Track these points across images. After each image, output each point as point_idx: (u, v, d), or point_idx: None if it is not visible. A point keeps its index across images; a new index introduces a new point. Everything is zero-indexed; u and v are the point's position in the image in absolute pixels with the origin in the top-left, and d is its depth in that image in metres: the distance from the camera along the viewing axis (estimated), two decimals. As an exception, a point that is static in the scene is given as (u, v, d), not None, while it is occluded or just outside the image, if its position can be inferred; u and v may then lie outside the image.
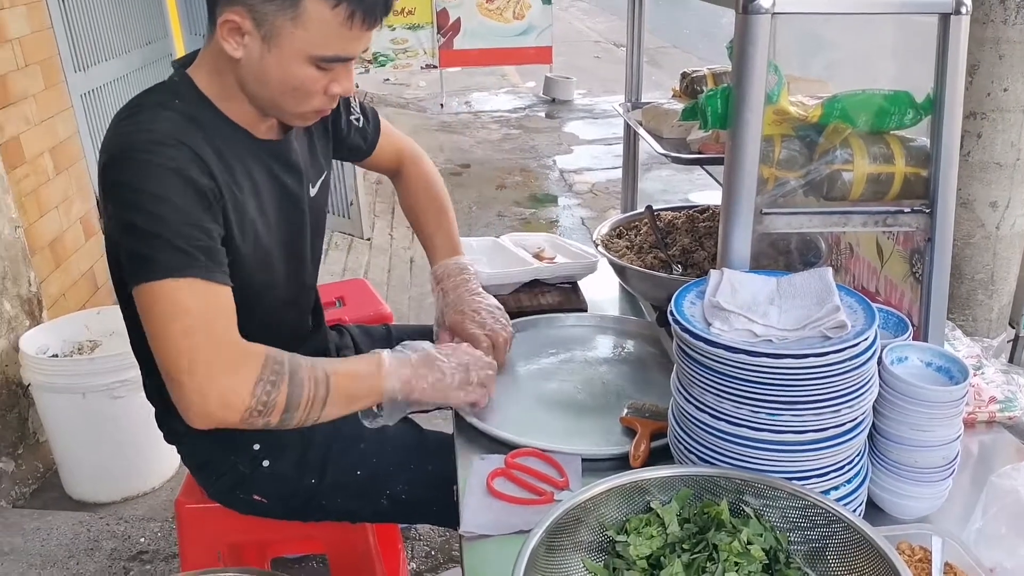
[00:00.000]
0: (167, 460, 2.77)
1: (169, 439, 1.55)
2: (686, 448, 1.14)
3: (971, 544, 1.04)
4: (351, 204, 4.69)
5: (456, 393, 1.36)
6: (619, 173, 2.24)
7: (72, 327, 2.72)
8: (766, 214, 1.22)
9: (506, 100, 9.20)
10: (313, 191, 1.53)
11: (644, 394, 1.47)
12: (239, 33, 1.22)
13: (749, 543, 0.97)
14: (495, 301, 1.60)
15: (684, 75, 1.78)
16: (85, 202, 3.47)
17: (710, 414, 1.09)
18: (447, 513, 1.38)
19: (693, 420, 1.12)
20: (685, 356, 1.11)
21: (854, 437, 1.08)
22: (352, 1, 1.19)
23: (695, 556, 0.96)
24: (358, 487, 1.48)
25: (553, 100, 8.92)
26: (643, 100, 2.02)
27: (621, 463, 1.27)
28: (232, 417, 1.21)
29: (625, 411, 1.39)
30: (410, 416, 1.51)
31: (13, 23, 2.99)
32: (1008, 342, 2.10)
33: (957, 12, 1.13)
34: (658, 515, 1.02)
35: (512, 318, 1.70)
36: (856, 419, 1.07)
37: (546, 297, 1.86)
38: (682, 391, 1.15)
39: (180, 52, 4.59)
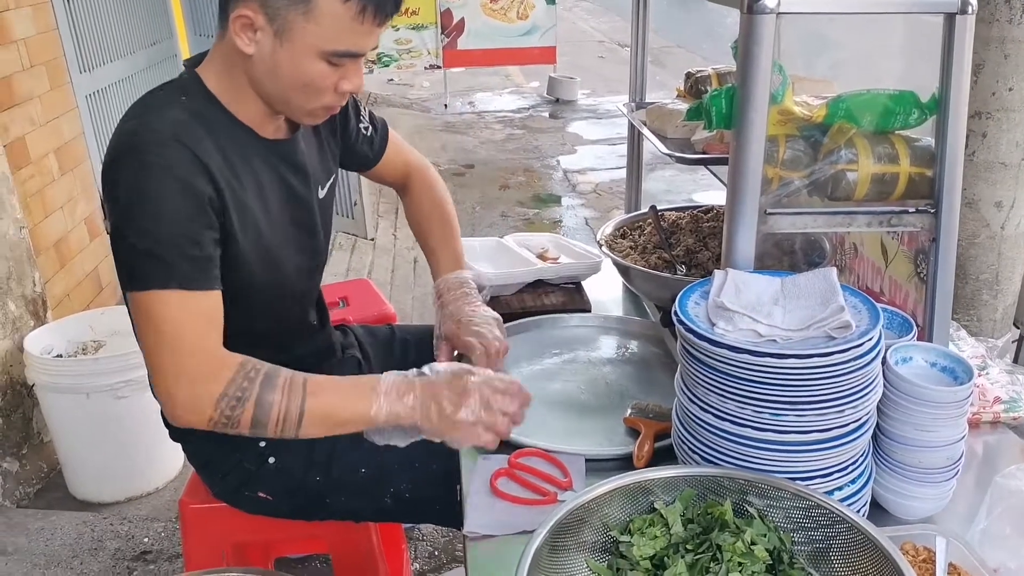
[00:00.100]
0: (171, 460, 2.77)
1: (174, 437, 1.56)
2: (690, 448, 1.14)
3: (975, 544, 1.04)
4: (355, 204, 4.70)
5: (458, 435, 1.25)
6: (623, 173, 2.24)
7: (76, 327, 2.73)
8: (770, 214, 1.22)
9: (510, 100, 9.20)
10: (322, 193, 1.53)
11: (648, 394, 1.47)
12: (251, 29, 1.23)
13: (753, 543, 0.97)
14: (494, 313, 1.57)
15: (688, 75, 1.78)
16: (90, 203, 3.48)
17: (714, 414, 1.09)
18: (451, 513, 1.38)
19: (697, 420, 1.12)
20: (689, 356, 1.11)
21: (858, 437, 1.07)
22: None
23: (699, 556, 0.96)
24: (362, 485, 1.48)
25: (557, 100, 8.92)
26: (647, 100, 2.02)
27: (625, 463, 1.27)
28: (199, 424, 1.24)
29: (629, 411, 1.39)
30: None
31: (18, 24, 3.00)
32: (1013, 342, 2.09)
33: (963, 12, 1.13)
34: (662, 515, 1.02)
35: (516, 318, 1.71)
36: (860, 419, 1.07)
37: (550, 297, 1.86)
38: (686, 391, 1.14)
39: (185, 53, 4.60)
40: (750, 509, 1.02)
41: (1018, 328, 2.09)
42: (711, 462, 1.11)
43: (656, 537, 1.00)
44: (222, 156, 1.29)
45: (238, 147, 1.33)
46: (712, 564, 0.96)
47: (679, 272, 1.66)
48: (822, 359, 1.01)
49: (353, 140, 1.64)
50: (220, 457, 1.51)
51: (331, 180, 1.58)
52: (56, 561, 2.34)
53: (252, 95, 1.33)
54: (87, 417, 2.52)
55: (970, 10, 1.13)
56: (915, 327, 1.25)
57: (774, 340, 1.06)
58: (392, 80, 9.47)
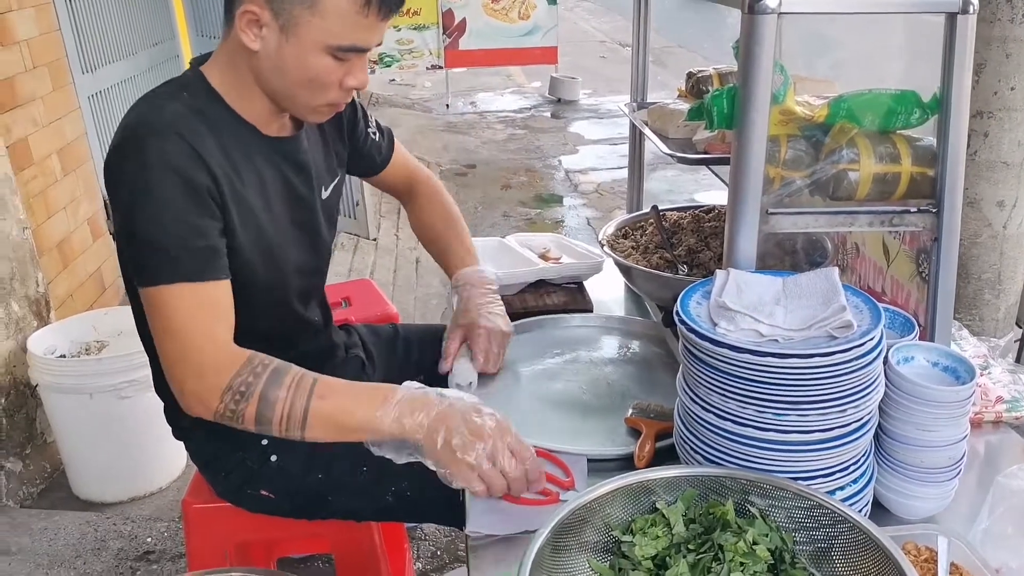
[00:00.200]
0: (174, 460, 2.78)
1: (177, 435, 1.57)
2: (692, 448, 1.14)
3: (977, 544, 1.04)
4: (357, 205, 4.70)
5: (454, 470, 1.18)
6: (625, 173, 2.25)
7: (79, 328, 2.73)
8: (772, 214, 1.22)
9: (511, 100, 9.20)
10: (326, 193, 1.54)
11: (649, 394, 1.47)
12: (257, 25, 1.24)
13: (755, 543, 0.97)
14: (509, 326, 1.60)
15: (690, 75, 1.78)
16: (92, 203, 3.48)
17: (716, 414, 1.09)
18: (453, 512, 1.38)
19: (699, 420, 1.12)
20: (691, 356, 1.11)
21: (860, 437, 1.07)
22: None
23: (701, 556, 0.96)
24: (364, 484, 1.48)
25: (558, 100, 8.92)
26: (649, 100, 2.02)
27: (626, 464, 1.27)
28: (207, 416, 1.25)
29: (630, 411, 1.39)
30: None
31: (21, 25, 3.01)
32: (1015, 342, 2.10)
33: (964, 11, 1.13)
34: (664, 515, 1.02)
35: (518, 318, 1.71)
36: (862, 419, 1.07)
37: (552, 297, 1.86)
38: (688, 391, 1.15)
39: (187, 53, 4.60)
40: (752, 509, 1.02)
41: (1020, 327, 2.09)
42: (713, 462, 1.11)
43: (658, 537, 1.00)
44: (223, 152, 1.30)
45: (240, 144, 1.34)
46: (714, 564, 0.96)
47: (681, 272, 1.66)
48: (824, 359, 1.01)
49: (362, 143, 1.66)
50: (223, 455, 1.51)
51: (335, 181, 1.58)
52: (59, 561, 2.35)
53: (257, 92, 1.33)
54: (90, 417, 2.53)
55: (971, 10, 1.13)
56: (917, 327, 1.25)
57: (776, 340, 1.06)
58: (394, 80, 9.47)
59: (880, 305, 1.12)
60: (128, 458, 2.64)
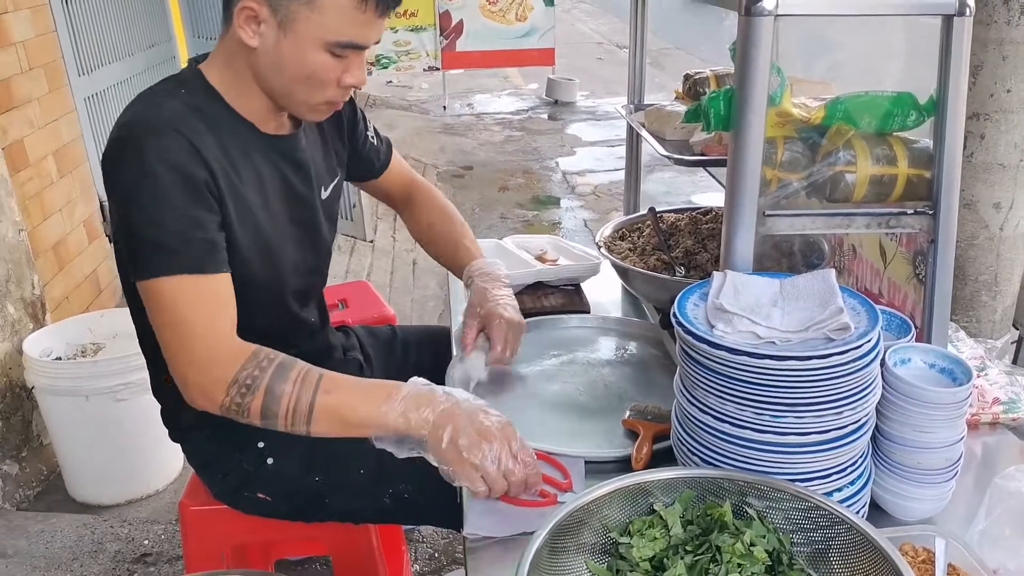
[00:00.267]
0: (170, 462, 2.77)
1: (174, 437, 1.56)
2: (689, 450, 1.14)
3: (974, 545, 1.04)
4: (354, 207, 4.70)
5: (457, 469, 1.19)
6: (622, 175, 2.25)
7: (75, 330, 2.73)
8: (769, 216, 1.22)
9: (508, 102, 9.21)
10: (325, 193, 1.54)
11: (647, 396, 1.47)
12: (255, 21, 1.25)
13: (752, 545, 0.97)
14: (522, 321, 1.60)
15: (687, 77, 1.78)
16: (88, 205, 3.48)
17: (713, 416, 1.09)
18: (450, 514, 1.38)
19: (696, 422, 1.12)
20: (688, 358, 1.11)
21: (857, 439, 1.07)
22: None
23: (698, 558, 0.97)
24: (361, 486, 1.48)
25: (556, 102, 8.92)
26: (646, 102, 2.02)
27: (624, 465, 1.27)
28: (213, 409, 1.25)
29: (627, 413, 1.39)
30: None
31: (17, 26, 3.00)
32: (1012, 343, 2.10)
33: (960, 14, 1.13)
34: (661, 517, 1.02)
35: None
36: (859, 421, 1.07)
37: (549, 299, 1.86)
38: (685, 393, 1.15)
39: (183, 55, 4.60)
40: (749, 510, 1.02)
41: (1017, 329, 2.09)
42: (710, 463, 1.11)
43: (655, 539, 1.00)
44: (220, 148, 1.30)
45: (238, 141, 1.34)
46: (711, 565, 0.96)
47: (678, 274, 1.66)
48: (821, 361, 1.01)
49: (361, 145, 1.66)
50: (220, 458, 1.51)
51: (335, 181, 1.59)
52: (56, 564, 2.34)
53: (255, 90, 1.34)
54: (86, 420, 2.52)
55: (968, 12, 1.13)
56: (914, 328, 1.25)
57: (773, 342, 1.06)
58: (391, 82, 9.47)
59: (877, 307, 1.12)
60: (125, 460, 2.64)
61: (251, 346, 1.26)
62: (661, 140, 1.68)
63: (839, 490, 1.09)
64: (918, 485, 1.14)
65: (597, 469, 1.27)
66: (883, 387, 1.11)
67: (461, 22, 8.10)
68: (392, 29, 7.81)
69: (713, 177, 1.72)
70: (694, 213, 1.93)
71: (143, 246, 1.23)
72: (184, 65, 1.41)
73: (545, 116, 8.52)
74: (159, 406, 1.55)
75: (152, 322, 1.27)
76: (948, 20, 1.14)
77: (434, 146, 7.31)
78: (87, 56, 3.58)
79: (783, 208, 1.25)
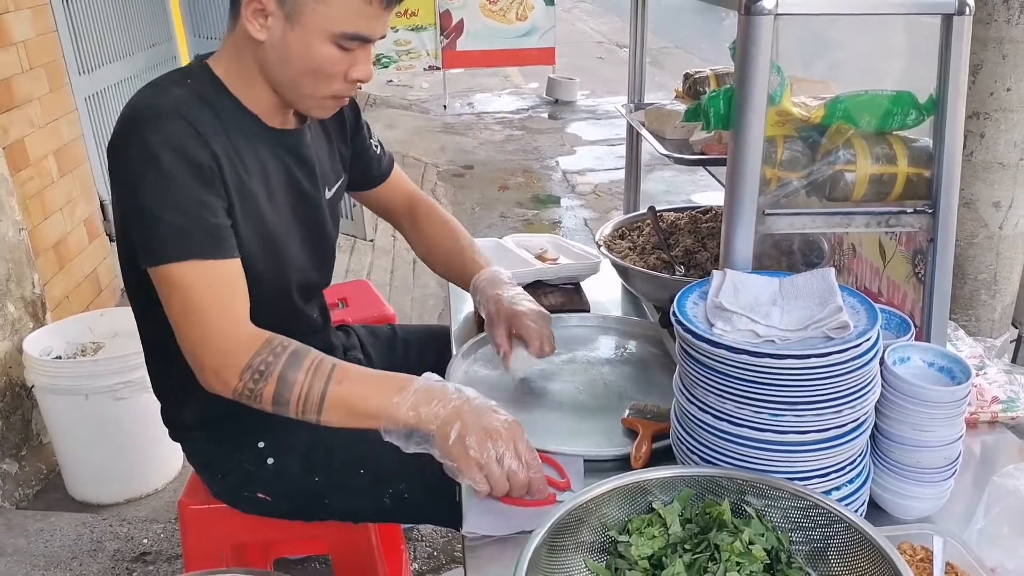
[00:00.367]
0: (170, 461, 2.78)
1: (174, 436, 1.56)
2: (688, 448, 1.14)
3: (973, 544, 1.04)
4: (354, 206, 4.69)
5: (461, 465, 1.19)
6: (622, 174, 2.25)
7: (75, 329, 2.73)
8: (769, 215, 1.22)
9: (509, 101, 9.20)
10: (329, 193, 1.54)
11: (646, 395, 1.47)
12: (263, 15, 1.26)
13: (751, 543, 0.97)
14: (543, 310, 1.58)
15: (687, 76, 1.78)
16: (89, 204, 3.48)
17: (712, 414, 1.09)
18: (450, 513, 1.38)
19: (695, 420, 1.12)
20: (687, 357, 1.12)
21: (856, 437, 1.08)
22: None
23: (697, 556, 0.97)
24: (361, 486, 1.48)
25: (556, 101, 8.92)
26: (646, 101, 2.02)
27: (623, 464, 1.27)
28: (226, 394, 1.26)
29: (627, 412, 1.39)
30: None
31: (18, 26, 3.00)
32: (1011, 342, 2.10)
33: (960, 12, 1.13)
34: (660, 515, 1.02)
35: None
36: (858, 419, 1.07)
37: (549, 298, 1.86)
38: (684, 392, 1.15)
39: (184, 55, 4.60)
40: (748, 509, 1.02)
41: (1016, 328, 2.10)
42: (709, 462, 1.11)
43: (654, 537, 1.00)
44: (225, 136, 1.30)
45: (243, 132, 1.34)
46: (710, 564, 0.96)
47: (678, 273, 1.66)
48: (820, 359, 1.01)
49: (361, 149, 1.66)
50: (219, 457, 1.51)
51: (339, 183, 1.59)
52: (55, 562, 2.34)
53: (261, 83, 1.34)
54: (86, 418, 2.52)
55: (967, 11, 1.13)
56: (913, 327, 1.25)
57: (772, 340, 1.06)
58: (391, 81, 9.47)
59: (876, 306, 1.12)
60: (124, 459, 2.64)
61: (265, 333, 1.26)
62: (661, 139, 1.68)
63: (838, 489, 1.09)
64: (917, 484, 1.14)
65: (596, 468, 1.27)
66: (882, 386, 1.11)
67: (461, 21, 8.10)
68: (392, 28, 7.79)
69: (713, 176, 1.72)
70: (694, 212, 1.93)
71: (155, 231, 1.23)
72: (185, 64, 1.41)
73: (545, 115, 8.52)
74: (159, 405, 1.55)
75: (166, 309, 1.27)
76: (948, 19, 1.14)
77: (434, 145, 7.31)
78: (88, 56, 3.59)
79: (783, 207, 1.25)
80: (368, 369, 1.31)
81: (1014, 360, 2.14)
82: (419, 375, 1.29)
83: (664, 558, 0.98)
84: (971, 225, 1.99)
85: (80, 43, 3.52)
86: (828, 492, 1.08)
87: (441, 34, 8.09)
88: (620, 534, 1.02)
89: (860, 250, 1.56)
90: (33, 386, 2.58)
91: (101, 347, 2.70)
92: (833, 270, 1.18)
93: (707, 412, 1.10)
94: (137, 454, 2.65)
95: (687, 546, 0.99)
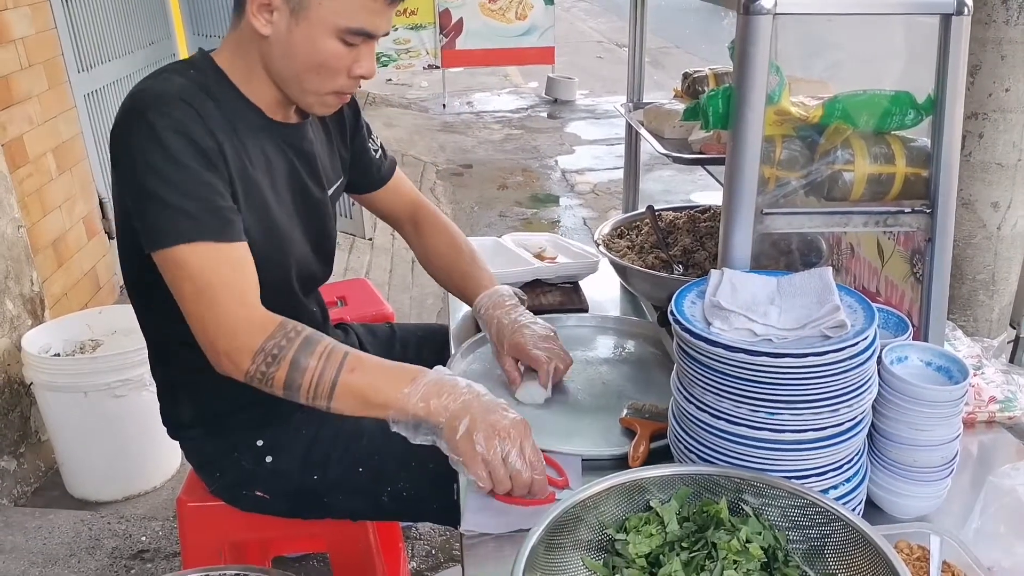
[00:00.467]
0: (168, 459, 2.78)
1: (172, 434, 1.56)
2: (686, 447, 1.15)
3: (969, 543, 1.05)
4: (353, 204, 4.70)
5: (465, 459, 1.18)
6: (621, 173, 2.25)
7: (74, 326, 2.73)
8: (767, 214, 1.23)
9: (508, 100, 9.21)
10: (330, 191, 1.55)
11: (644, 394, 1.47)
12: (268, 10, 1.26)
13: (748, 541, 0.97)
14: (549, 326, 1.56)
15: (686, 75, 1.78)
16: (88, 202, 3.48)
17: (710, 413, 1.09)
18: (448, 512, 1.39)
19: (693, 419, 1.12)
20: (685, 355, 1.12)
21: (853, 436, 1.08)
22: None
23: (694, 554, 0.97)
24: (359, 484, 1.48)
25: (555, 100, 8.93)
26: (645, 100, 2.02)
27: (621, 464, 1.27)
28: (238, 376, 1.25)
29: (625, 412, 1.39)
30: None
31: (17, 24, 3.00)
32: (1009, 343, 2.10)
33: (958, 13, 1.14)
34: (657, 514, 1.02)
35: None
36: (855, 418, 1.08)
37: (547, 297, 1.86)
38: (682, 390, 1.15)
39: (183, 53, 4.60)
40: (745, 507, 1.02)
41: (1014, 328, 2.10)
42: (707, 461, 1.11)
43: (652, 535, 1.00)
44: (229, 125, 1.31)
45: (246, 123, 1.35)
46: (707, 562, 0.96)
47: (676, 272, 1.66)
48: (817, 358, 1.01)
49: (361, 150, 1.66)
50: (218, 456, 1.51)
51: (339, 182, 1.60)
52: (53, 560, 2.35)
53: (264, 78, 1.35)
54: (85, 416, 2.52)
55: (966, 11, 1.13)
56: (911, 327, 1.25)
57: (770, 339, 1.06)
58: (390, 80, 9.47)
59: (874, 305, 1.12)
60: (123, 457, 2.64)
61: (278, 317, 1.26)
62: (660, 138, 1.68)
63: (835, 487, 1.09)
64: (914, 483, 1.14)
65: (594, 466, 1.27)
66: (879, 385, 1.12)
67: (461, 20, 8.10)
68: (392, 27, 7.80)
69: (711, 175, 1.72)
70: (692, 211, 1.93)
71: (163, 213, 1.22)
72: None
73: (544, 114, 8.52)
74: (158, 403, 1.55)
75: (176, 293, 1.25)
76: (946, 19, 1.14)
77: (434, 144, 7.32)
78: (87, 53, 3.58)
79: (781, 206, 1.25)
80: (380, 359, 1.29)
81: (1012, 360, 2.14)
82: None
83: (661, 556, 0.98)
84: (969, 225, 1.99)
85: (79, 41, 3.52)
86: (825, 491, 1.08)
87: (440, 33, 8.09)
88: (618, 532, 1.02)
89: (858, 250, 1.56)
90: (32, 383, 2.58)
91: (100, 344, 2.71)
92: (831, 269, 1.18)
93: (705, 411, 1.10)
94: (136, 451, 2.65)
95: (684, 544, 0.99)
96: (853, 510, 1.08)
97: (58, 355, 2.62)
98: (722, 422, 1.08)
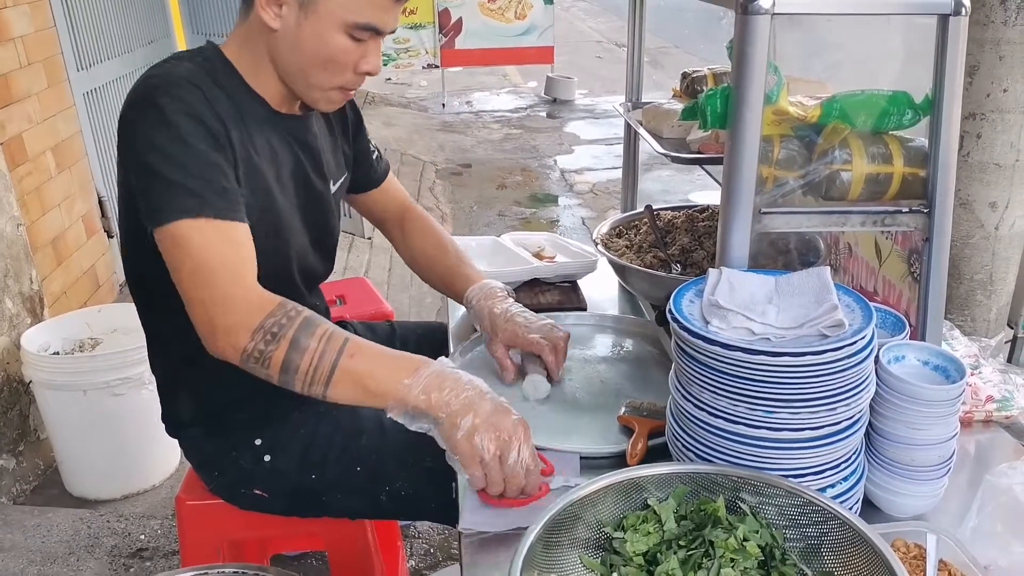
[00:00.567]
0: (167, 457, 2.78)
1: (172, 433, 1.56)
2: (683, 445, 1.15)
3: (966, 542, 1.05)
4: (352, 203, 4.70)
5: (462, 455, 1.18)
6: (619, 173, 2.25)
7: (73, 325, 2.73)
8: (765, 213, 1.23)
9: (507, 100, 9.21)
10: (334, 187, 1.55)
11: (642, 393, 1.47)
12: (277, 3, 1.28)
13: (745, 540, 0.97)
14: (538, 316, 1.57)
15: (684, 75, 1.79)
16: (87, 200, 3.48)
17: (708, 412, 1.09)
18: (446, 510, 1.39)
19: (691, 417, 1.12)
20: (683, 354, 1.12)
21: (851, 435, 1.08)
22: None
23: (691, 552, 0.97)
24: (358, 483, 1.49)
25: (554, 100, 8.93)
26: (644, 100, 2.03)
27: (619, 461, 1.27)
28: (234, 356, 1.20)
29: (623, 410, 1.39)
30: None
31: (16, 22, 3.00)
32: (1006, 342, 2.11)
33: (956, 13, 1.14)
34: (655, 512, 1.03)
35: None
36: (853, 417, 1.08)
37: (546, 296, 1.87)
38: (680, 389, 1.15)
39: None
40: (743, 506, 1.02)
41: (1012, 328, 2.10)
42: (704, 459, 1.11)
43: (649, 533, 1.00)
44: (236, 112, 1.32)
45: (253, 114, 1.36)
46: (705, 560, 0.96)
47: (674, 271, 1.67)
48: (815, 357, 1.02)
49: (362, 149, 1.68)
50: (217, 455, 1.51)
51: (342, 179, 1.60)
52: (52, 558, 2.35)
53: (271, 72, 1.36)
54: (84, 414, 2.53)
55: (963, 11, 1.14)
56: (908, 326, 1.26)
57: (767, 338, 1.07)
58: (390, 79, 9.48)
59: (872, 304, 1.13)
60: (122, 455, 2.64)
61: (278, 296, 1.23)
62: (658, 138, 1.68)
63: (832, 486, 1.10)
64: (911, 482, 1.15)
65: (592, 464, 1.27)
66: (877, 384, 1.12)
67: (460, 20, 8.10)
68: (393, 26, 7.81)
69: (710, 175, 1.73)
70: (691, 211, 1.93)
71: (167, 190, 1.21)
72: None
73: (544, 114, 8.53)
74: (157, 401, 1.55)
75: (175, 272, 1.22)
76: (944, 19, 1.15)
77: (433, 143, 7.32)
78: (86, 51, 3.58)
79: (779, 206, 1.25)
80: (380, 346, 1.26)
81: (1009, 360, 2.15)
82: None
83: (659, 554, 0.98)
84: (967, 225, 2.00)
85: (78, 39, 3.52)
86: (823, 489, 1.08)
87: (440, 32, 8.10)
88: (615, 530, 1.02)
89: (856, 249, 1.57)
90: (31, 382, 2.58)
91: (99, 343, 2.71)
92: (828, 268, 1.18)
93: (702, 409, 1.10)
94: (135, 450, 2.65)
95: (682, 542, 0.99)
96: (850, 509, 1.08)
97: (57, 353, 2.62)
98: (720, 420, 1.08)
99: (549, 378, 1.50)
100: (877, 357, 1.13)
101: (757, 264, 1.25)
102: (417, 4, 7.92)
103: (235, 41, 1.37)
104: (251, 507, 1.53)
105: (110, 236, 3.66)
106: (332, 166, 1.55)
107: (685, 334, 1.08)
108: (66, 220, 3.28)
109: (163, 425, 1.57)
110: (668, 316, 1.13)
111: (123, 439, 2.61)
